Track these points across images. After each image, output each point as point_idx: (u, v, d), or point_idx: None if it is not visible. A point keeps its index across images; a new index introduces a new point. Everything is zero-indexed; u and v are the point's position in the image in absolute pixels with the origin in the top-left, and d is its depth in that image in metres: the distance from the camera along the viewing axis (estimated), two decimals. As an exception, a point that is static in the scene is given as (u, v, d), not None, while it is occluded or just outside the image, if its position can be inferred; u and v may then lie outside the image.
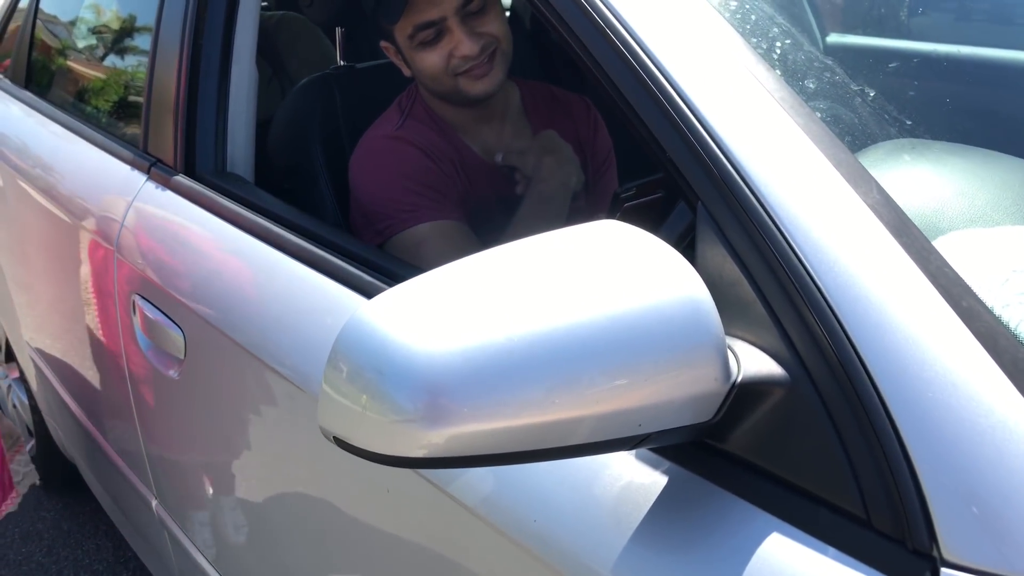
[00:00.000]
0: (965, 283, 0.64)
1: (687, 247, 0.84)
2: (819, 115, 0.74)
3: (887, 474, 0.60)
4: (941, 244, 0.77)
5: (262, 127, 1.68)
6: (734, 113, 0.72)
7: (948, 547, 0.58)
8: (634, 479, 0.73)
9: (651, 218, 1.19)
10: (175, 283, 1.26)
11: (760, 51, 0.79)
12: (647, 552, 0.70)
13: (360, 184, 1.47)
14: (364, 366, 0.60)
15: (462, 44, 1.35)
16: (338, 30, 1.72)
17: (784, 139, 0.71)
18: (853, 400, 0.62)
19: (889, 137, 1.17)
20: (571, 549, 0.75)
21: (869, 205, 0.67)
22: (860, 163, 0.71)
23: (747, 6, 0.91)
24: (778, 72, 0.77)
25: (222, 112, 1.40)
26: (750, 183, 0.69)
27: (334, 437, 0.63)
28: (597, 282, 0.63)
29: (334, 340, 0.62)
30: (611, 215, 1.16)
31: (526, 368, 0.60)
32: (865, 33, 2.39)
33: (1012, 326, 0.64)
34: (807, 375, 0.65)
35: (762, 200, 0.68)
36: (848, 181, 0.68)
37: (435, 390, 0.59)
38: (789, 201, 0.68)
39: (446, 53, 1.37)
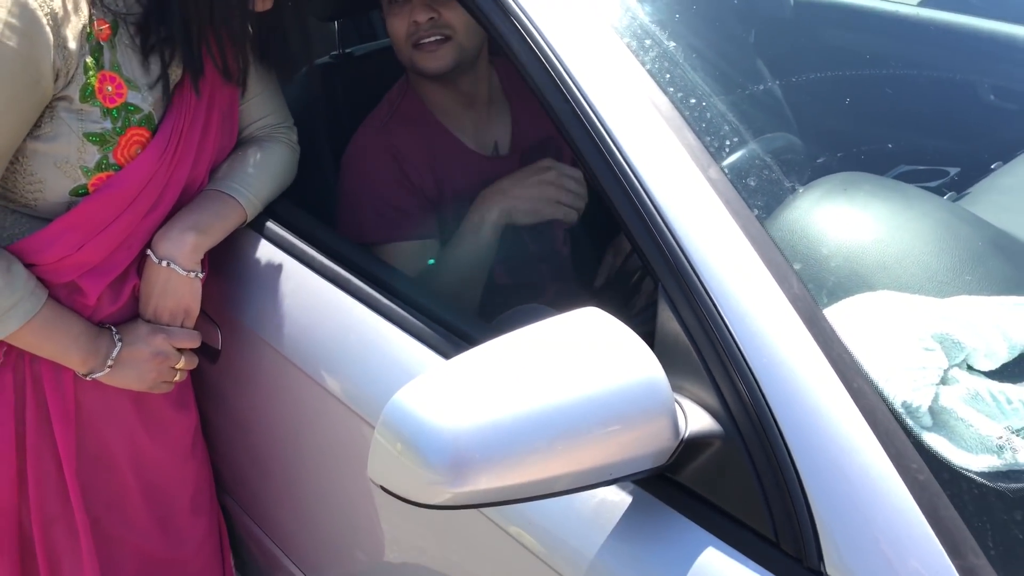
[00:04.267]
0: (859, 366, 0.84)
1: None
2: (759, 215, 0.92)
3: (791, 509, 0.82)
4: (852, 306, 0.97)
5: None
6: (692, 220, 0.91)
7: (830, 565, 0.80)
8: (607, 497, 0.94)
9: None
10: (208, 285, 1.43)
11: (714, 149, 0.96)
12: (614, 549, 0.92)
13: (344, 186, 1.63)
14: (405, 439, 0.79)
15: (416, 11, 1.51)
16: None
17: (732, 248, 0.89)
18: (769, 452, 0.83)
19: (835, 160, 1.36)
20: (560, 537, 0.97)
21: (789, 299, 0.86)
22: (787, 262, 0.89)
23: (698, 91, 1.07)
24: (729, 179, 0.94)
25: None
26: (703, 279, 0.88)
27: (381, 486, 0.83)
28: (580, 366, 0.82)
29: (381, 415, 0.82)
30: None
31: (525, 439, 0.80)
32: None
33: (890, 401, 0.84)
34: (737, 431, 0.85)
35: (711, 293, 0.87)
36: (776, 279, 0.87)
37: (457, 457, 0.79)
38: (730, 294, 0.87)
39: (407, 20, 1.52)
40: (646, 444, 0.83)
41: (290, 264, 1.35)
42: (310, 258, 1.33)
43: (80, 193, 1.19)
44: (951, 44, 2.11)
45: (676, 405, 0.86)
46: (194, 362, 1.34)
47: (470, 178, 1.67)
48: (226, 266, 1.39)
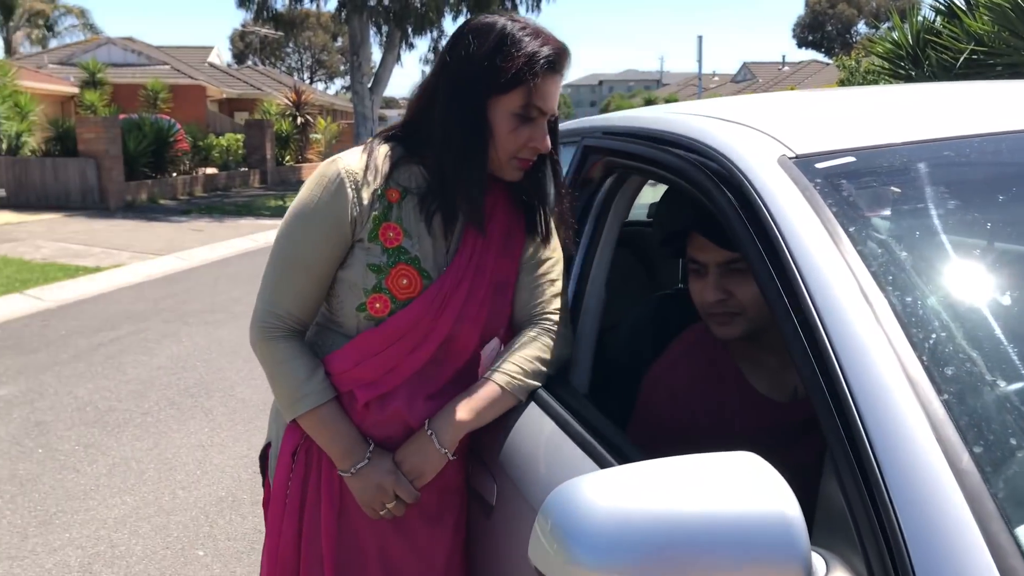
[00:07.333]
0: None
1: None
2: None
3: None
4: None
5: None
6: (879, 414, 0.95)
7: None
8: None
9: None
10: (492, 446, 1.65)
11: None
12: None
13: (637, 402, 1.78)
14: (560, 526, 0.92)
15: (706, 290, 1.64)
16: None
17: (902, 421, 0.92)
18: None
19: None
20: None
21: (955, 474, 0.86)
22: (963, 440, 0.89)
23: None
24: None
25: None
26: (880, 462, 0.91)
27: (535, 567, 0.95)
28: (726, 500, 0.89)
29: (543, 504, 0.95)
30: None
31: (664, 550, 0.88)
32: None
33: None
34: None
35: (883, 471, 0.90)
36: (945, 454, 0.88)
37: (597, 548, 0.89)
38: (897, 477, 0.88)
39: (701, 292, 1.66)
40: (775, 583, 0.86)
41: (558, 435, 1.52)
42: (575, 432, 1.49)
43: (361, 309, 1.59)
44: None
45: (819, 557, 0.89)
46: (400, 511, 1.60)
47: (759, 424, 1.68)
48: (506, 427, 1.61)
